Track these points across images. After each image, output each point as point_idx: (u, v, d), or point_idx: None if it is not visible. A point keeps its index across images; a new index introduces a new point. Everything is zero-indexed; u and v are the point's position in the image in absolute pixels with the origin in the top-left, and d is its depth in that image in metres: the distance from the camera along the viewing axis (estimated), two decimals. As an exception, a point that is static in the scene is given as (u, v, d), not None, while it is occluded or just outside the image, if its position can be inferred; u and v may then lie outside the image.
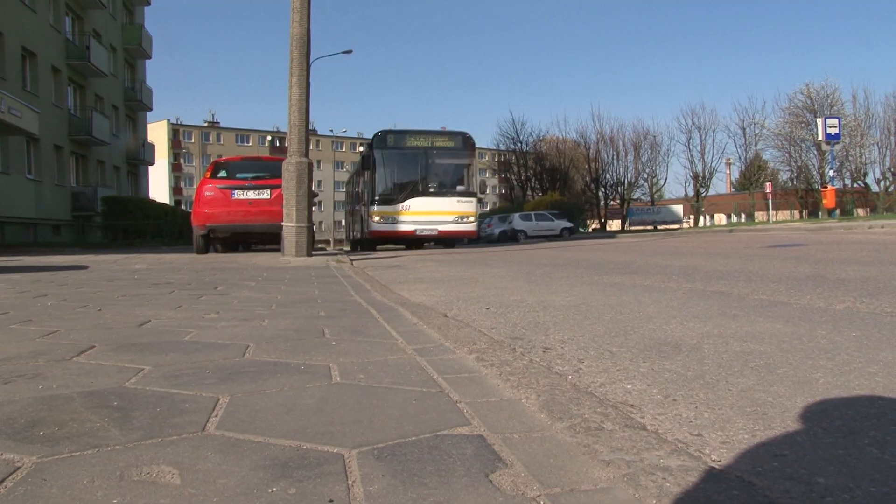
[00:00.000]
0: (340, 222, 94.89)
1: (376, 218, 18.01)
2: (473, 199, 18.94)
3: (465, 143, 19.21)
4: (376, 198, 18.23)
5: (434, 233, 18.12)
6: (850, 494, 1.07)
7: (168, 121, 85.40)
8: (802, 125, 40.45)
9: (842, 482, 1.13)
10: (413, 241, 19.94)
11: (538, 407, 1.46)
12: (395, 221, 18.02)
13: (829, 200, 26.52)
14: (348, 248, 27.22)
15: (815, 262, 6.25)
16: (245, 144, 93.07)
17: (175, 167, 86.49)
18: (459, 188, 18.97)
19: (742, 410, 1.58)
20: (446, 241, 19.34)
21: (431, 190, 18.43)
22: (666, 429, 1.45)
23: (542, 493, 1.01)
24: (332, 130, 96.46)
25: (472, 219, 18.65)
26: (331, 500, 0.99)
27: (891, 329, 2.60)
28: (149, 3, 40.24)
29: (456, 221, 18.31)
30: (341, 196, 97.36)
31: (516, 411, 1.44)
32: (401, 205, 18.05)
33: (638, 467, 1.10)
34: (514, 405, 1.49)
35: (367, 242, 19.77)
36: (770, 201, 36.42)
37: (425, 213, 18.04)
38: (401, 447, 1.22)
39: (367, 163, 18.77)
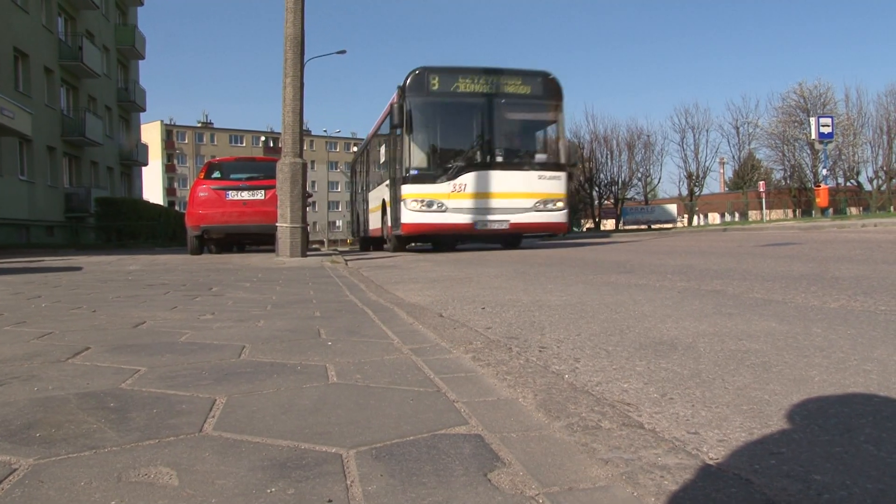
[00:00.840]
0: (335, 223, 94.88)
1: (412, 203, 11.83)
2: (562, 175, 12.58)
3: (549, 87, 12.73)
4: (411, 171, 11.93)
5: (504, 226, 12.01)
6: (847, 491, 1.08)
7: (161, 121, 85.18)
8: (795, 124, 40.64)
9: (839, 479, 1.13)
10: (468, 239, 14.28)
11: (535, 406, 1.47)
12: (441, 209, 11.82)
13: (822, 199, 26.63)
14: (346, 249, 25.91)
15: (809, 261, 6.27)
16: (239, 145, 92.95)
17: (169, 168, 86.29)
18: (541, 157, 12.70)
19: (739, 408, 1.58)
20: (512, 238, 13.46)
21: (499, 160, 12.16)
22: (663, 427, 1.45)
23: (541, 492, 1.01)
24: (326, 131, 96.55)
25: (561, 204, 12.37)
26: (329, 501, 0.98)
27: (885, 327, 2.61)
28: (142, 4, 40.13)
29: (537, 209, 12.10)
30: (335, 196, 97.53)
31: (514, 410, 1.44)
32: (451, 183, 11.88)
33: (636, 465, 1.10)
34: (512, 404, 1.49)
35: (396, 240, 13.50)
36: (763, 200, 36.57)
37: (490, 195, 11.91)
38: (399, 447, 1.22)
39: (396, 118, 12.12)
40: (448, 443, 1.24)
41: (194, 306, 3.55)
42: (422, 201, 11.88)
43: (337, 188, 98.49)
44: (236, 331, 2.64)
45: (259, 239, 14.13)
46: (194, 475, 1.09)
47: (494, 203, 11.96)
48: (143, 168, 41.42)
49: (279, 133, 10.92)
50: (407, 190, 11.98)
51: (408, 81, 12.26)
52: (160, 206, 42.99)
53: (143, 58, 39.42)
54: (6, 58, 22.82)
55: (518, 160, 12.56)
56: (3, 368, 1.93)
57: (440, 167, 12.15)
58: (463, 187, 11.90)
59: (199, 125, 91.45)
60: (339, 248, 29.51)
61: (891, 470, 1.17)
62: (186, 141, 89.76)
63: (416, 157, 12.14)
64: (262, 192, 12.06)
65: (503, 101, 12.43)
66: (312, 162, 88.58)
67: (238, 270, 6.93)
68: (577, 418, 1.36)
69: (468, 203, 11.92)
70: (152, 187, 68.81)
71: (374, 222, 16.42)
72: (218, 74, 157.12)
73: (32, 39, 24.94)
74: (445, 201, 11.89)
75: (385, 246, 15.19)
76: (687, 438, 1.38)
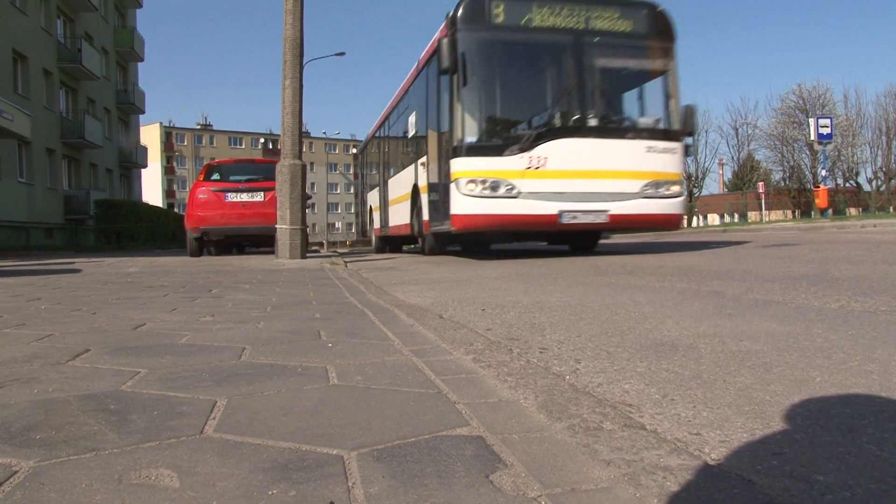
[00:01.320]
0: (334, 224, 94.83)
1: (468, 186, 8.38)
2: (678, 147, 9.02)
3: (658, 24, 9.17)
4: (467, 140, 8.53)
5: (601, 219, 8.57)
6: (849, 492, 1.08)
7: (161, 123, 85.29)
8: (794, 125, 40.77)
9: (841, 480, 1.13)
10: (544, 237, 11.31)
11: (537, 407, 1.46)
12: (511, 193, 8.35)
13: (821, 200, 26.65)
14: (345, 251, 24.99)
15: (809, 262, 6.27)
16: (238, 147, 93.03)
17: (168, 170, 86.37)
18: (649, 122, 9.30)
19: (740, 409, 1.58)
20: (592, 236, 10.60)
21: (593, 124, 8.72)
22: (665, 428, 1.45)
23: (543, 493, 1.01)
24: (325, 133, 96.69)
25: (676, 188, 8.94)
26: (331, 502, 0.98)
27: (886, 327, 2.61)
28: (140, 6, 40.17)
29: (646, 194, 8.67)
30: (334, 198, 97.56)
31: (515, 412, 1.44)
32: (526, 156, 8.38)
33: (638, 467, 1.10)
34: (513, 406, 1.49)
35: (434, 240, 10.58)
36: (763, 201, 36.62)
37: (582, 174, 8.50)
38: (400, 448, 1.21)
39: (446, 61, 8.55)
40: (449, 444, 1.23)
41: (194, 308, 3.55)
42: (483, 182, 8.30)
43: (336, 190, 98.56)
44: (236, 332, 2.63)
45: (258, 241, 14.12)
46: (195, 477, 1.08)
47: (588, 185, 8.46)
48: (143, 170, 41.46)
49: (278, 135, 10.77)
50: (461, 166, 8.40)
51: (460, 10, 8.61)
52: (159, 208, 43.01)
53: (142, 60, 39.46)
54: (5, 60, 22.83)
55: (619, 125, 9.10)
56: (4, 371, 1.92)
57: (508, 134, 8.71)
58: (543, 163, 8.31)
59: (199, 127, 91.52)
60: (339, 250, 29.40)
61: (893, 470, 1.17)
62: (185, 143, 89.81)
63: (473, 119, 8.58)
64: (262, 193, 12.07)
65: (596, 40, 8.83)
66: (312, 164, 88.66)
67: (237, 272, 6.93)
68: (579, 419, 1.36)
69: (550, 185, 8.36)
70: (151, 189, 68.84)
71: (399, 216, 12.83)
72: (217, 76, 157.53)
73: (31, 41, 24.95)
74: (517, 182, 8.28)
75: (406, 247, 12.89)
76: (689, 439, 1.37)
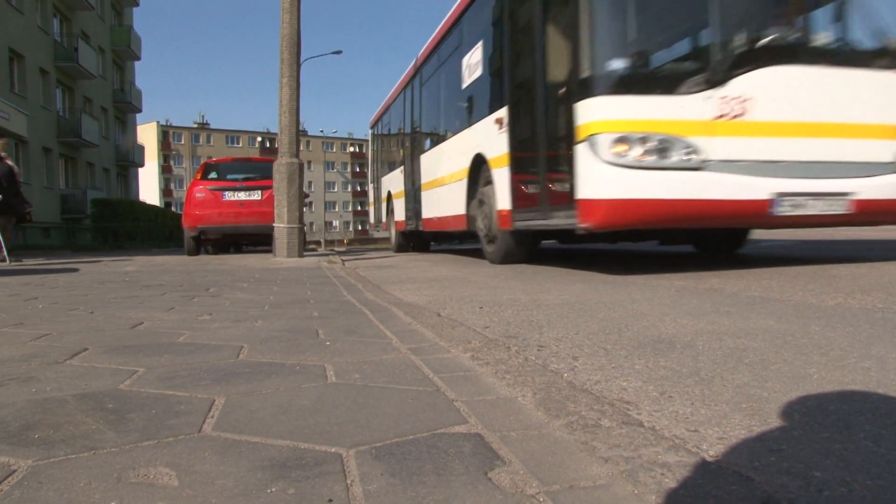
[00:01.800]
0: (332, 223, 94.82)
1: (615, 147, 4.69)
2: None
3: None
4: (611, 67, 4.79)
5: (839, 208, 5.02)
6: (847, 488, 1.08)
7: (158, 122, 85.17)
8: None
9: (839, 476, 1.13)
10: (658, 232, 7.15)
11: (535, 405, 1.47)
12: (690, 162, 4.71)
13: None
14: (343, 249, 24.51)
15: (806, 259, 6.28)
16: (235, 145, 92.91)
17: (165, 169, 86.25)
18: (893, 41, 5.22)
19: (738, 406, 1.58)
20: (729, 232, 7.44)
21: (821, 43, 5.17)
22: (663, 425, 1.45)
23: (542, 491, 1.01)
24: (322, 131, 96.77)
25: None
26: (330, 500, 0.98)
27: (883, 325, 2.61)
28: (137, 4, 40.11)
29: None
30: (332, 197, 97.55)
31: (513, 409, 1.44)
32: (716, 94, 4.75)
33: (636, 463, 1.10)
34: (511, 403, 1.49)
35: (515, 242, 6.98)
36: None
37: (805, 128, 4.91)
38: (399, 446, 1.22)
39: None
40: (448, 442, 1.23)
41: (192, 307, 3.55)
42: (643, 141, 4.79)
43: (334, 188, 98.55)
44: (234, 331, 2.63)
45: (256, 239, 14.12)
46: (194, 475, 1.09)
47: (817, 149, 5.07)
48: (140, 169, 41.44)
49: (276, 133, 10.74)
50: (601, 112, 4.85)
51: None
52: (157, 207, 42.94)
53: (138, 59, 39.42)
54: (1, 59, 22.78)
55: (862, 47, 5.47)
56: (1, 370, 1.92)
57: (681, 60, 5.53)
58: (744, 108, 4.90)
59: (196, 126, 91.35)
60: (336, 249, 29.35)
61: (890, 466, 1.17)
62: (183, 142, 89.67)
63: (619, 34, 5.12)
64: (259, 192, 12.07)
65: None
66: (309, 162, 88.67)
67: (235, 271, 6.92)
68: (577, 417, 1.36)
69: (758, 147, 4.96)
70: (149, 188, 68.82)
71: (445, 204, 9.12)
72: (214, 75, 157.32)
73: (27, 40, 24.90)
74: (701, 143, 4.84)
75: (434, 244, 10.78)
76: (687, 436, 1.38)
